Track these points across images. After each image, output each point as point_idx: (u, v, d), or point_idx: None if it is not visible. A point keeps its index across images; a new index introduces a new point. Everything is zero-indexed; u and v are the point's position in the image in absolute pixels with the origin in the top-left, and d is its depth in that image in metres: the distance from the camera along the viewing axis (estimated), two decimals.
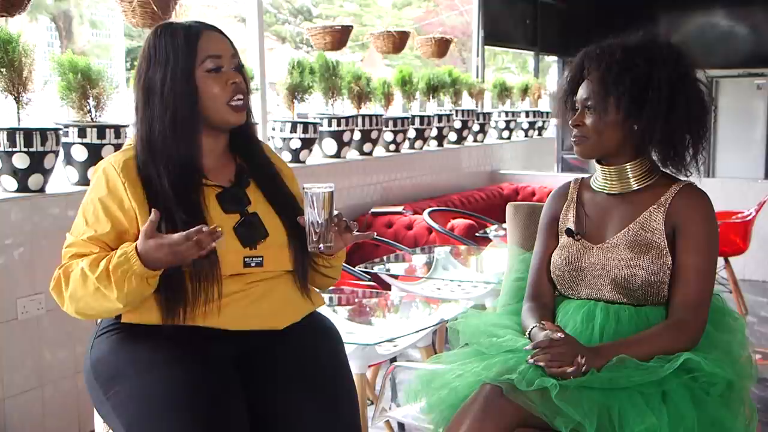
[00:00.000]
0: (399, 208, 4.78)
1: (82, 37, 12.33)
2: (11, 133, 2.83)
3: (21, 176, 2.87)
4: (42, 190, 2.95)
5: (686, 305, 1.76)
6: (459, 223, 4.52)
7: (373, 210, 4.77)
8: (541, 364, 1.64)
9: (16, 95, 2.89)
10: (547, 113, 7.43)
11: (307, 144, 4.35)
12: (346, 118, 4.63)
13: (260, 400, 1.71)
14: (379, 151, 5.22)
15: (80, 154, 3.13)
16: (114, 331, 1.75)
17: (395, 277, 3.50)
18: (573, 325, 1.82)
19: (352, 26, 4.93)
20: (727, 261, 4.72)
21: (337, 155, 4.68)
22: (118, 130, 3.16)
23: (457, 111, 6.01)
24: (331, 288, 2.43)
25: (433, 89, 5.67)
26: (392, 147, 5.29)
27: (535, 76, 8.36)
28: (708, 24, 8.60)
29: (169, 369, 1.64)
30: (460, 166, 6.10)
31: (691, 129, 1.82)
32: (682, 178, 1.87)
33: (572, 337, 1.72)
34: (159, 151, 1.73)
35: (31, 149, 2.85)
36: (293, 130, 4.29)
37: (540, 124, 7.47)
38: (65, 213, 2.95)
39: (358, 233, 1.82)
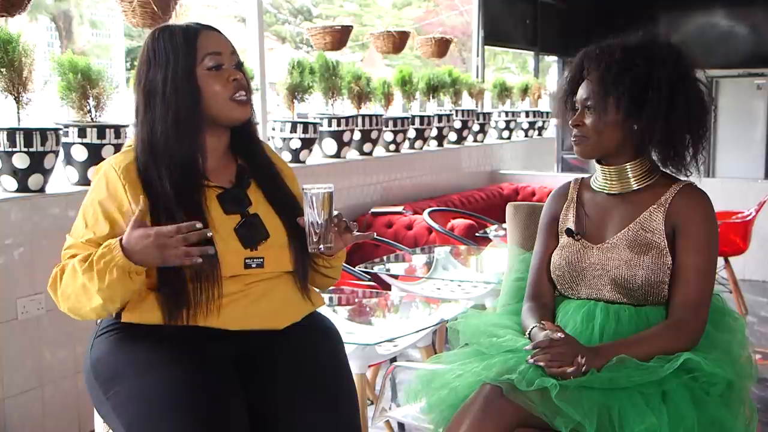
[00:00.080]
0: (399, 208, 4.78)
1: (82, 37, 12.33)
2: (11, 133, 2.84)
3: (21, 176, 2.87)
4: (42, 190, 2.95)
5: (686, 305, 1.76)
6: (459, 223, 4.52)
7: (373, 210, 4.77)
8: (541, 364, 1.64)
9: (16, 95, 2.89)
10: (547, 113, 7.43)
11: (307, 144, 4.35)
12: (346, 118, 4.63)
13: (260, 400, 1.71)
14: (379, 151, 5.22)
15: (80, 154, 3.13)
16: (114, 331, 1.75)
17: (395, 277, 3.50)
18: (573, 325, 1.82)
19: (352, 26, 4.93)
20: (727, 261, 4.72)
21: (337, 155, 4.68)
22: (118, 130, 3.16)
23: (457, 111, 6.01)
24: (331, 288, 2.43)
25: (433, 89, 5.67)
26: (392, 147, 5.29)
27: (535, 76, 8.37)
28: (708, 24, 8.60)
29: (169, 369, 1.64)
30: (460, 166, 6.10)
31: (691, 129, 1.82)
32: (682, 178, 1.87)
33: (572, 337, 1.72)
34: (161, 152, 1.73)
35: (31, 149, 2.85)
36: (293, 130, 4.30)
37: (540, 124, 7.47)
38: (65, 213, 2.95)
39: (358, 233, 1.83)
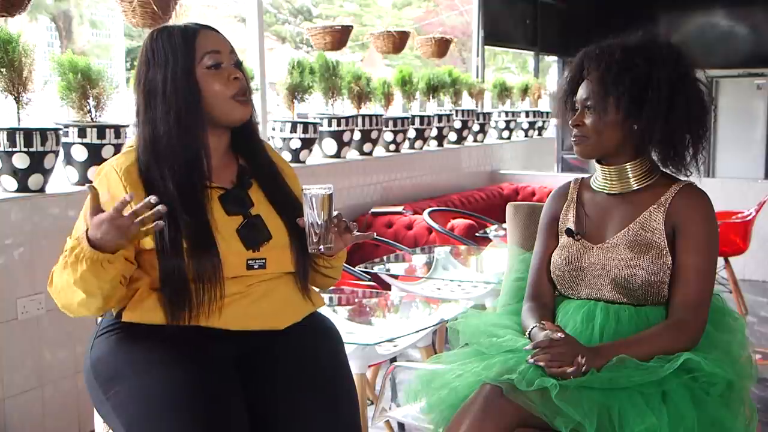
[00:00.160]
0: (399, 208, 4.78)
1: (82, 37, 12.33)
2: (11, 133, 2.84)
3: (21, 176, 2.87)
4: (42, 190, 2.95)
5: (686, 305, 1.76)
6: (459, 223, 4.52)
7: (373, 210, 4.77)
8: (541, 364, 1.64)
9: (16, 95, 2.89)
10: (547, 113, 7.43)
11: (307, 144, 4.35)
12: (346, 118, 4.63)
13: (260, 400, 1.71)
14: (379, 151, 5.22)
15: (80, 154, 3.13)
16: (114, 331, 1.75)
17: (395, 277, 3.50)
18: (573, 325, 1.82)
19: (352, 26, 4.93)
20: (727, 261, 4.72)
21: (337, 155, 4.68)
22: (118, 130, 3.16)
23: (457, 111, 6.01)
24: (331, 288, 2.43)
25: (433, 89, 5.67)
26: (392, 147, 5.29)
27: (535, 76, 8.37)
28: (708, 24, 8.60)
29: (169, 369, 1.64)
30: (460, 166, 6.10)
31: (691, 129, 1.82)
32: (682, 178, 1.87)
33: (572, 337, 1.72)
34: (163, 151, 1.73)
35: (31, 149, 2.85)
36: (293, 130, 4.30)
37: (540, 124, 7.48)
38: (65, 213, 2.95)
39: (358, 234, 1.82)
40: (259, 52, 4.23)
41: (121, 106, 3.32)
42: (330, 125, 4.58)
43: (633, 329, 1.77)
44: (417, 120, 5.43)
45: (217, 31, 1.82)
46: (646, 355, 1.68)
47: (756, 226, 4.89)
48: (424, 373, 1.84)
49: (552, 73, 10.90)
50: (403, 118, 5.28)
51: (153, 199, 1.55)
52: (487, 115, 6.52)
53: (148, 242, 1.69)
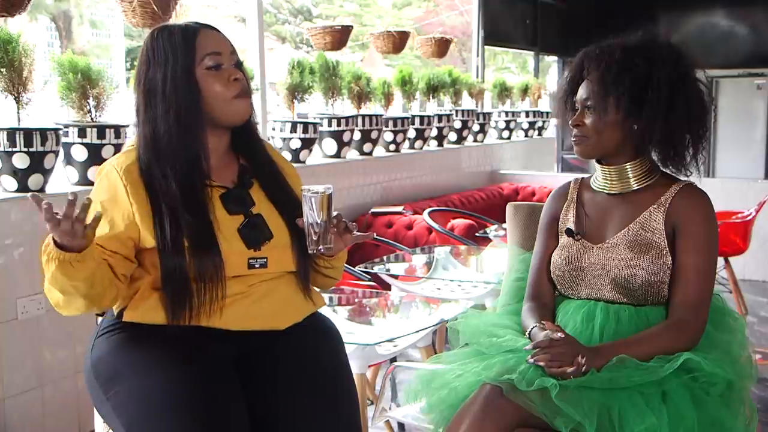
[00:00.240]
0: (399, 208, 4.78)
1: (82, 37, 12.33)
2: (11, 133, 2.84)
3: (21, 176, 2.88)
4: (42, 190, 2.95)
5: (686, 305, 1.76)
6: (459, 223, 4.52)
7: (373, 210, 4.77)
8: (541, 364, 1.64)
9: (16, 95, 2.89)
10: (547, 113, 7.43)
11: (307, 144, 4.35)
12: (346, 118, 4.63)
13: (261, 400, 1.71)
14: (379, 151, 5.22)
15: (80, 154, 3.13)
16: (115, 331, 1.75)
17: (395, 277, 3.50)
18: (573, 325, 1.82)
19: (352, 26, 4.94)
20: (727, 261, 4.72)
21: (337, 155, 4.68)
22: (118, 130, 3.16)
23: (457, 111, 6.01)
24: (332, 288, 2.43)
25: (433, 89, 5.67)
26: (392, 147, 5.29)
27: (535, 76, 8.37)
28: (708, 24, 8.60)
29: (169, 369, 1.64)
30: (460, 166, 6.10)
31: (691, 129, 1.82)
32: (682, 178, 1.87)
33: (572, 337, 1.72)
34: (164, 151, 1.73)
35: (31, 149, 2.85)
36: (293, 130, 4.30)
37: (540, 124, 7.48)
38: None
39: (357, 234, 1.82)
40: (259, 52, 4.23)
41: (121, 106, 3.32)
42: (330, 125, 4.58)
43: (633, 329, 1.77)
44: (417, 120, 5.43)
45: (218, 31, 1.81)
46: (646, 355, 1.68)
47: (756, 226, 4.89)
48: (424, 373, 1.84)
49: (552, 73, 10.90)
50: (403, 118, 5.28)
51: (70, 195, 1.52)
52: (487, 115, 6.53)
53: (149, 240, 1.69)
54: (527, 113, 7.32)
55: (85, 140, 3.11)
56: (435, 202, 5.22)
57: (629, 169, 1.85)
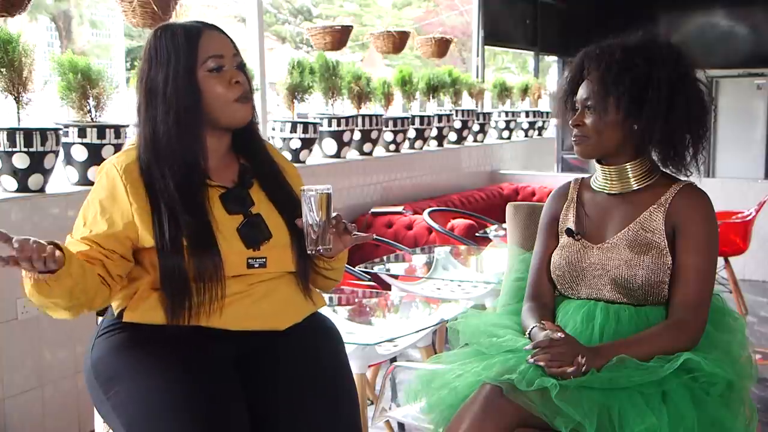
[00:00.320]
0: (399, 208, 4.78)
1: (82, 37, 12.33)
2: (11, 133, 2.84)
3: (21, 176, 2.87)
4: (42, 190, 2.95)
5: (686, 305, 1.76)
6: (459, 223, 4.52)
7: (373, 210, 4.77)
8: (541, 364, 1.64)
9: (16, 95, 2.89)
10: (547, 113, 7.43)
11: (307, 144, 4.35)
12: (346, 118, 4.63)
13: (261, 400, 1.71)
14: (379, 151, 5.22)
15: (80, 154, 3.13)
16: (115, 331, 1.75)
17: (395, 277, 3.50)
18: (573, 325, 1.82)
19: (352, 26, 4.94)
20: (727, 261, 4.72)
21: (337, 155, 4.68)
22: (118, 130, 3.16)
23: (457, 111, 6.01)
24: (332, 289, 2.43)
25: (433, 89, 5.67)
26: (392, 147, 5.29)
27: (535, 76, 8.37)
28: (708, 24, 8.60)
29: (169, 370, 1.64)
30: (460, 166, 6.10)
31: (691, 129, 1.82)
32: (682, 178, 1.87)
33: (572, 337, 1.72)
34: (163, 151, 1.73)
35: (31, 149, 2.85)
36: (293, 130, 4.30)
37: (540, 124, 7.48)
38: (65, 213, 2.95)
39: (357, 234, 1.82)
40: (259, 52, 4.23)
41: (121, 106, 3.32)
42: (330, 125, 4.58)
43: (633, 329, 1.77)
44: (417, 120, 5.43)
45: (222, 31, 1.80)
46: (646, 355, 1.68)
47: (756, 226, 4.89)
48: (424, 373, 1.84)
49: (552, 73, 10.91)
50: (403, 118, 5.28)
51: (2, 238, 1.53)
52: (487, 115, 6.53)
53: (148, 240, 1.70)
54: (527, 113, 7.32)
55: (85, 140, 3.11)
56: (435, 202, 5.22)
57: (629, 169, 1.85)
